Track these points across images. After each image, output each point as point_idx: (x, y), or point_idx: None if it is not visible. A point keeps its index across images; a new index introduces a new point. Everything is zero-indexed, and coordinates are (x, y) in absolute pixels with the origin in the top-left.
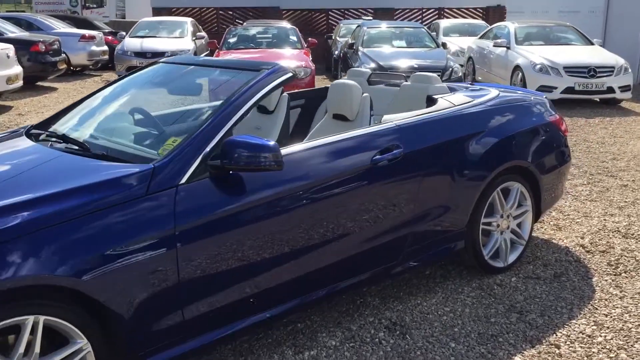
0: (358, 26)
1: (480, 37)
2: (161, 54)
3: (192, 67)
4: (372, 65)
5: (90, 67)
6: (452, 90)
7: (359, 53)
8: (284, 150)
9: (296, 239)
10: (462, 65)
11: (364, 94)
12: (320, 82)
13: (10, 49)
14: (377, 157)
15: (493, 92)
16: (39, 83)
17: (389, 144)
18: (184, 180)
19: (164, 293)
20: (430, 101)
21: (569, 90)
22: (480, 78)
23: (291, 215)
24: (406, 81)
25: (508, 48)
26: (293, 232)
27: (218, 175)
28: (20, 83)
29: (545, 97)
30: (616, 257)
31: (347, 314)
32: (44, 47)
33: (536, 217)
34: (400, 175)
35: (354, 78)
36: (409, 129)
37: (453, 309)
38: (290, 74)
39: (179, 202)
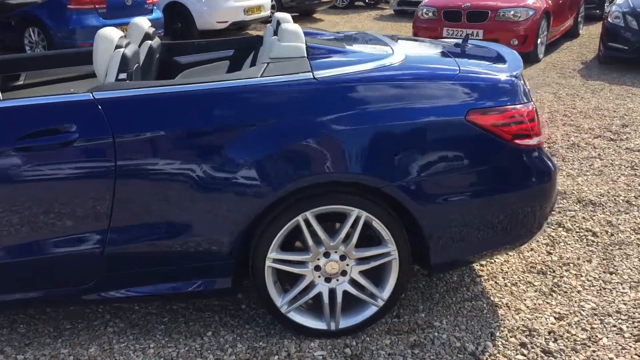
0: None
1: None
2: None
3: None
4: (625, 9)
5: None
6: (313, 54)
7: None
8: None
9: None
10: None
11: (118, 49)
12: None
13: None
14: (28, 140)
15: (392, 58)
16: (315, 15)
17: (60, 124)
18: None
19: None
20: None
21: None
22: None
23: None
24: (275, 34)
25: None
26: None
27: None
28: (265, 13)
29: (513, 75)
30: None
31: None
32: None
33: (430, 269)
34: (76, 168)
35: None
36: (112, 106)
37: None
38: None
39: None
